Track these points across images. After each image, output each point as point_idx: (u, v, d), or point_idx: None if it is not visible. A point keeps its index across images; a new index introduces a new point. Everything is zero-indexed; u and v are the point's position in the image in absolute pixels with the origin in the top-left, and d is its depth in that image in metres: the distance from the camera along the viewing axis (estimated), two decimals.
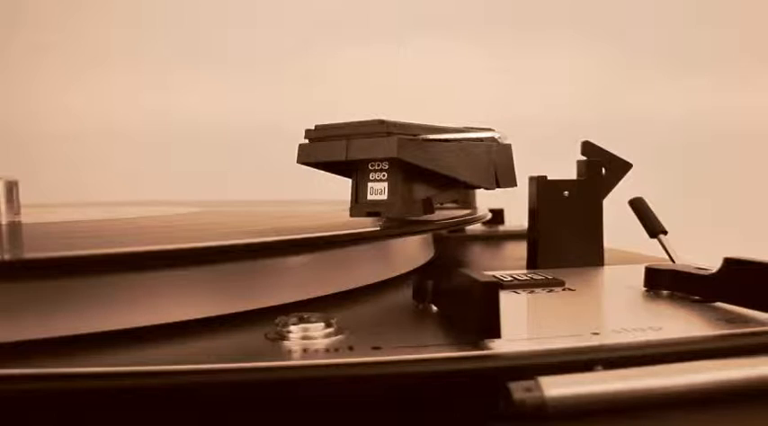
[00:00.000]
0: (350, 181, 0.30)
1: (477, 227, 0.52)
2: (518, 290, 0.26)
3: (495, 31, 0.77)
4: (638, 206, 0.34)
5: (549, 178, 0.32)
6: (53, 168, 0.69)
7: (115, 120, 0.72)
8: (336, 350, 0.17)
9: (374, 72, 0.74)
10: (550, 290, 0.26)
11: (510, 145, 0.31)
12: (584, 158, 0.32)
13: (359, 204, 0.30)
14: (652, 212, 0.33)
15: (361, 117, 0.28)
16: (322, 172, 0.31)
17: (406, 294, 0.25)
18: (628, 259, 0.35)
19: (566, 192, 0.32)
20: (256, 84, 0.73)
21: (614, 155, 0.33)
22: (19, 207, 0.36)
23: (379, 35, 0.74)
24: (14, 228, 0.33)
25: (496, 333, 0.17)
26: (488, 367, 0.17)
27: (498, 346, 0.17)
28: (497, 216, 0.55)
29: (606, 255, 0.33)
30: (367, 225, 0.28)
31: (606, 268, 0.32)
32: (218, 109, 0.73)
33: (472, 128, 0.30)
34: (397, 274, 0.31)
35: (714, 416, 0.16)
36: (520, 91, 0.76)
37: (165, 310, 0.21)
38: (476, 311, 0.18)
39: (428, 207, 0.29)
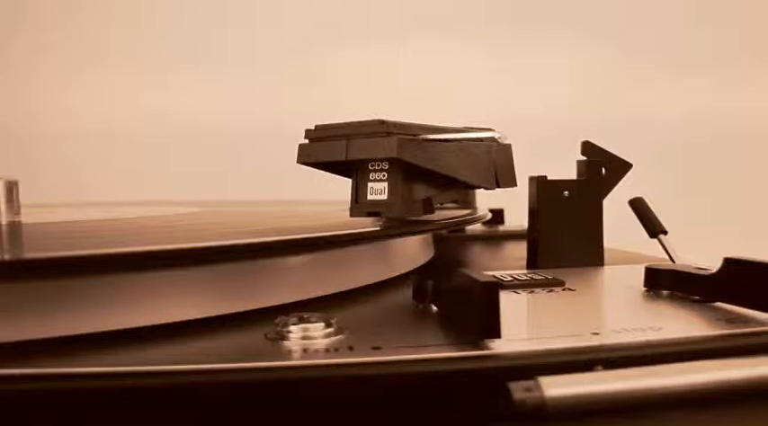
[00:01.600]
0: (350, 181, 0.30)
1: (477, 227, 0.52)
2: (518, 290, 0.26)
3: (495, 31, 0.77)
4: (638, 206, 0.34)
5: (549, 178, 0.32)
6: (53, 168, 0.69)
7: (115, 120, 0.72)
8: (336, 350, 0.17)
9: (374, 72, 0.74)
10: (550, 290, 0.26)
11: (510, 145, 0.31)
12: (584, 158, 0.32)
13: (359, 204, 0.30)
14: (652, 212, 0.33)
15: (361, 117, 0.28)
16: (322, 172, 0.31)
17: (406, 294, 0.25)
18: (628, 259, 0.35)
19: (566, 192, 0.32)
20: (256, 84, 0.73)
21: (614, 155, 0.33)
22: (19, 207, 0.36)
23: (379, 35, 0.74)
24: (14, 228, 0.33)
25: (496, 333, 0.17)
26: (488, 367, 0.17)
27: (498, 346, 0.17)
28: (497, 216, 0.55)
29: (606, 255, 0.33)
30: (367, 225, 0.28)
31: (606, 268, 0.32)
32: (218, 109, 0.73)
33: (472, 128, 0.30)
34: (397, 274, 0.31)
35: (714, 416, 0.16)
36: (520, 91, 0.76)
37: (165, 310, 0.21)
38: (476, 311, 0.18)
39: (428, 207, 0.29)
